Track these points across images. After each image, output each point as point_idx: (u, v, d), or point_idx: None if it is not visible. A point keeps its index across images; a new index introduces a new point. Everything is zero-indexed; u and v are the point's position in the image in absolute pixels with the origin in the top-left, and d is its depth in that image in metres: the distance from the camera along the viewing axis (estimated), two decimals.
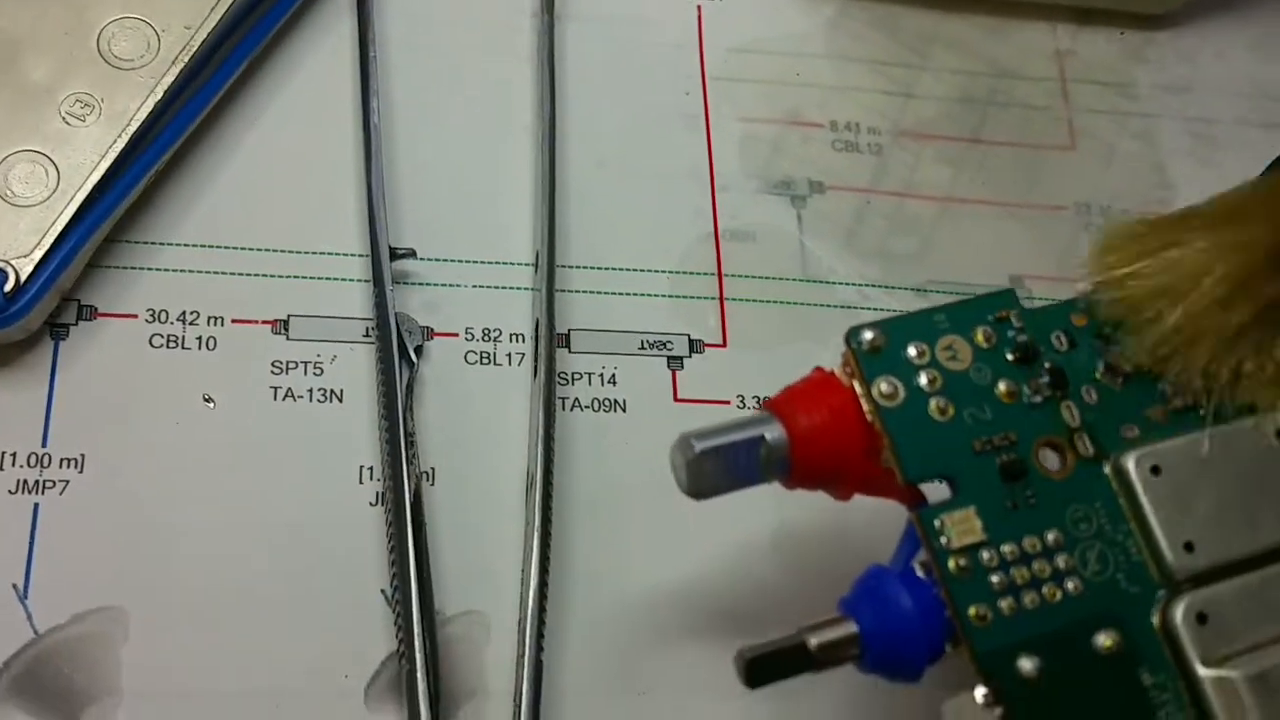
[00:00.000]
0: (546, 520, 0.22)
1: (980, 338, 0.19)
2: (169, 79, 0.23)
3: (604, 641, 0.23)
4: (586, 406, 0.25)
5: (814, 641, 0.17)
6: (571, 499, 0.23)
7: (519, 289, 0.25)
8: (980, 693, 0.17)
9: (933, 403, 0.18)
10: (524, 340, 0.25)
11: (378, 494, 0.23)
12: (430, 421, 0.24)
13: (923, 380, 0.18)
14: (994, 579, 0.17)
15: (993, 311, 0.19)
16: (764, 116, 0.28)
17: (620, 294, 0.26)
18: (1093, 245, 0.20)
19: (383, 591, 0.22)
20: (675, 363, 0.25)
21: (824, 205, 0.27)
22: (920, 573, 0.18)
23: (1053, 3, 0.30)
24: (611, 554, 0.23)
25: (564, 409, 0.24)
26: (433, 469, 0.23)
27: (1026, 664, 0.17)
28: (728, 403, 0.25)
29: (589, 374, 0.25)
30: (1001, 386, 0.19)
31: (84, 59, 0.23)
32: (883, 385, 0.18)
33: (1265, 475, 0.18)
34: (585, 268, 0.26)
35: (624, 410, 0.25)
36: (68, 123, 0.23)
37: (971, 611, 0.17)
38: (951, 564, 0.17)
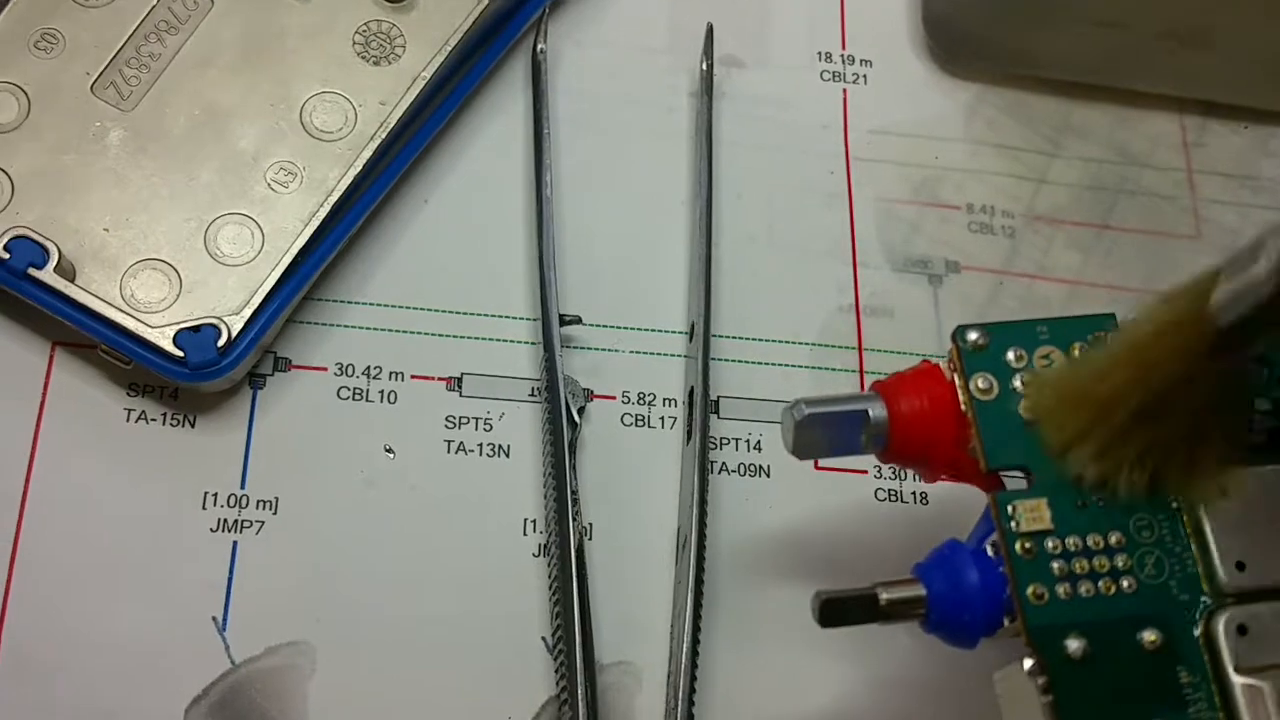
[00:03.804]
0: (699, 579, 0.24)
1: (1076, 352, 0.20)
2: (367, 153, 0.25)
3: (747, 698, 0.24)
4: (733, 471, 0.26)
5: (885, 596, 0.19)
6: (716, 558, 0.25)
7: (672, 355, 0.27)
8: (1028, 663, 0.19)
9: (1023, 403, 0.20)
10: (675, 405, 0.26)
11: (540, 546, 0.24)
12: (588, 479, 0.25)
13: (1017, 382, 0.20)
14: (1055, 565, 0.19)
15: (1092, 330, 0.21)
16: (903, 197, 0.29)
17: (765, 364, 0.27)
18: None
19: (543, 639, 0.24)
20: None
21: (959, 284, 0.29)
22: (990, 553, 0.20)
23: (1180, 95, 0.32)
24: (752, 613, 0.25)
25: (712, 472, 0.26)
26: (590, 524, 0.25)
27: (1073, 644, 0.19)
28: (865, 472, 0.26)
29: (736, 439, 0.26)
30: None
31: (288, 129, 0.25)
32: (980, 381, 0.20)
33: None
34: (733, 337, 0.27)
35: (768, 476, 0.26)
36: (272, 188, 0.25)
37: (1030, 590, 0.19)
38: (1018, 545, 0.19)
